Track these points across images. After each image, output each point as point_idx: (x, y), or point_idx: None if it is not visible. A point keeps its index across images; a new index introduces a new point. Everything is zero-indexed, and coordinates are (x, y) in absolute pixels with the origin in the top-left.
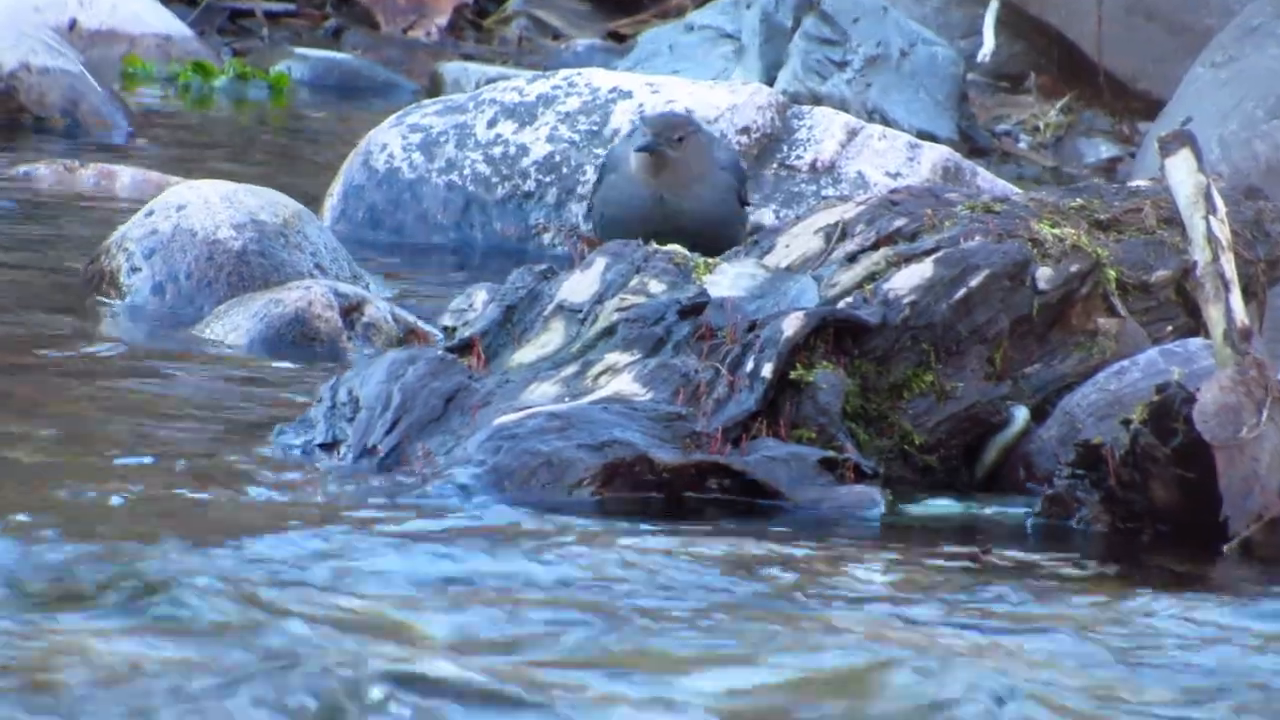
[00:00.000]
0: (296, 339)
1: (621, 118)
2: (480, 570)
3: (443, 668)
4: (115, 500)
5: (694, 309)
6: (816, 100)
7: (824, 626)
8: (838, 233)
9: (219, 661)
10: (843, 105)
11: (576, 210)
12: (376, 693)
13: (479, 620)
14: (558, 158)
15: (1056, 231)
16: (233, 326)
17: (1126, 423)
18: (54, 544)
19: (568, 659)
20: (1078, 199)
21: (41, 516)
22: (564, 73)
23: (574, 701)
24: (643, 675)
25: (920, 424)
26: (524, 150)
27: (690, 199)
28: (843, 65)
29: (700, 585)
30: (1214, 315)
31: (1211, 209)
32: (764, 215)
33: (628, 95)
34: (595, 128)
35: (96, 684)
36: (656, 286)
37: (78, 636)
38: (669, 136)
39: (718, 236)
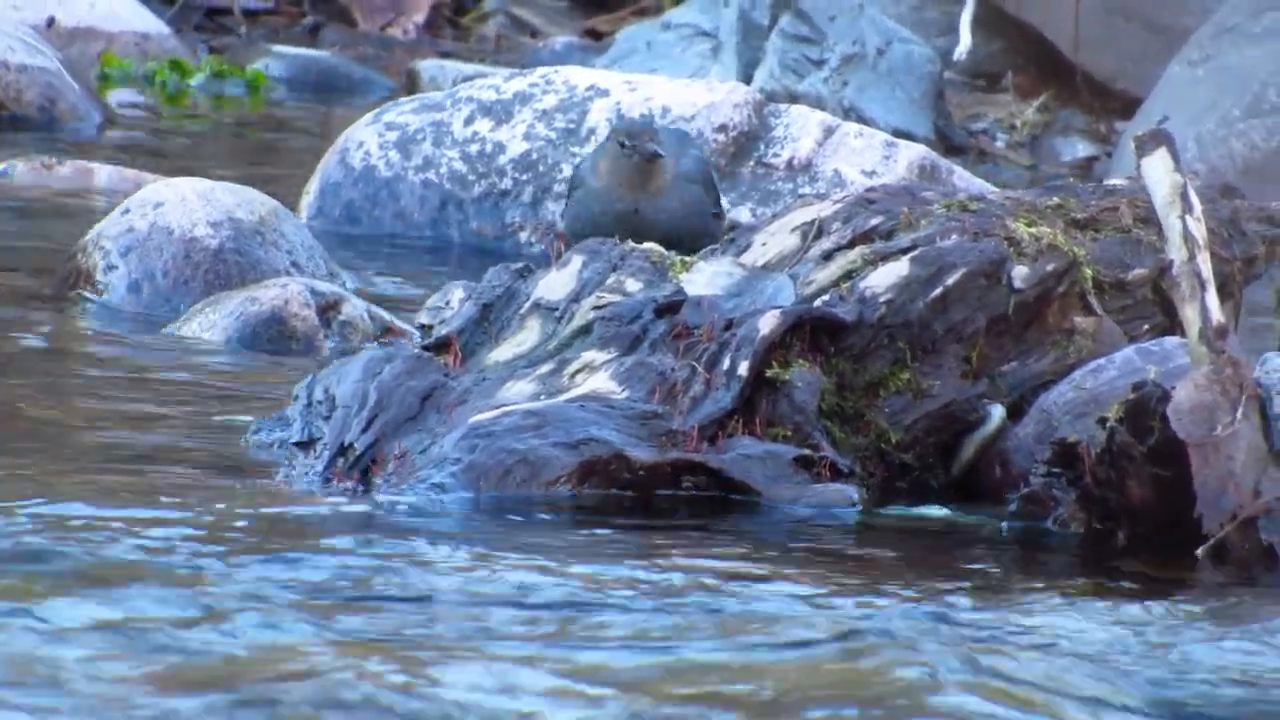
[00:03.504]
0: (273, 337)
1: (598, 116)
2: (458, 573)
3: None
4: (86, 499)
5: (670, 307)
6: (793, 98)
7: (789, 626)
8: (814, 231)
9: (169, 660)
10: (819, 103)
11: (553, 208)
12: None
13: (453, 625)
14: (534, 156)
15: (1033, 230)
16: (209, 324)
17: (1103, 421)
18: (24, 541)
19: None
20: (1054, 198)
21: (11, 514)
22: (541, 70)
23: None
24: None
25: (896, 422)
26: (501, 148)
27: (658, 210)
28: (819, 63)
29: (667, 587)
30: (1190, 314)
31: (1188, 208)
32: (740, 213)
33: (605, 93)
34: (572, 126)
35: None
36: (633, 285)
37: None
38: (654, 140)
39: (684, 248)
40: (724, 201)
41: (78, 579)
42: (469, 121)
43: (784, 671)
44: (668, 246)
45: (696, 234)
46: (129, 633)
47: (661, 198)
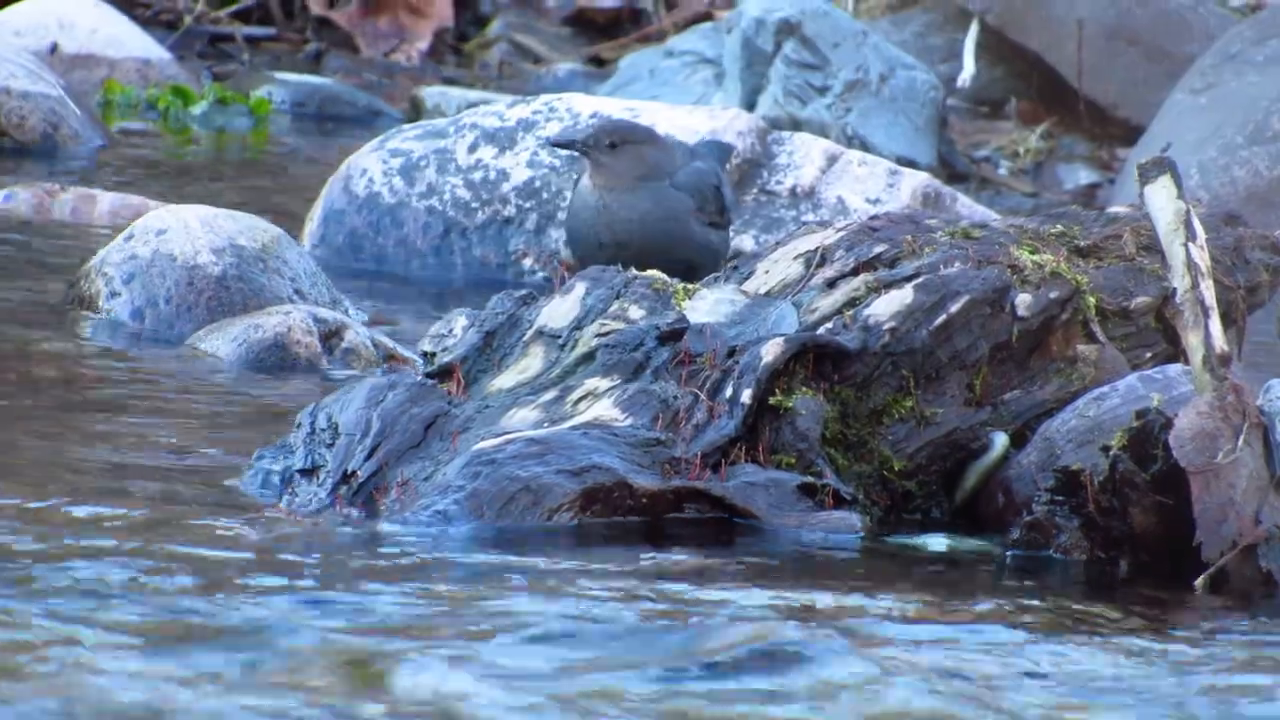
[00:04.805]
0: (276, 364)
1: None
2: (457, 599)
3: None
4: (85, 524)
5: (673, 334)
6: (796, 125)
7: (800, 658)
8: (817, 258)
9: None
10: (823, 130)
11: (556, 235)
12: None
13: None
14: (538, 183)
15: (1036, 258)
16: (212, 351)
17: (1106, 449)
18: (20, 564)
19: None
20: (1057, 225)
21: (14, 542)
22: (544, 97)
23: None
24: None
25: (900, 450)
26: (504, 175)
27: (628, 208)
28: (823, 90)
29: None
30: (1193, 342)
31: (1191, 235)
32: (744, 241)
33: None
34: (575, 153)
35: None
36: (636, 312)
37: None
38: (600, 141)
39: (670, 254)
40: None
41: (74, 601)
42: (472, 148)
43: (773, 704)
44: (641, 250)
45: (673, 239)
46: (123, 654)
47: (630, 195)
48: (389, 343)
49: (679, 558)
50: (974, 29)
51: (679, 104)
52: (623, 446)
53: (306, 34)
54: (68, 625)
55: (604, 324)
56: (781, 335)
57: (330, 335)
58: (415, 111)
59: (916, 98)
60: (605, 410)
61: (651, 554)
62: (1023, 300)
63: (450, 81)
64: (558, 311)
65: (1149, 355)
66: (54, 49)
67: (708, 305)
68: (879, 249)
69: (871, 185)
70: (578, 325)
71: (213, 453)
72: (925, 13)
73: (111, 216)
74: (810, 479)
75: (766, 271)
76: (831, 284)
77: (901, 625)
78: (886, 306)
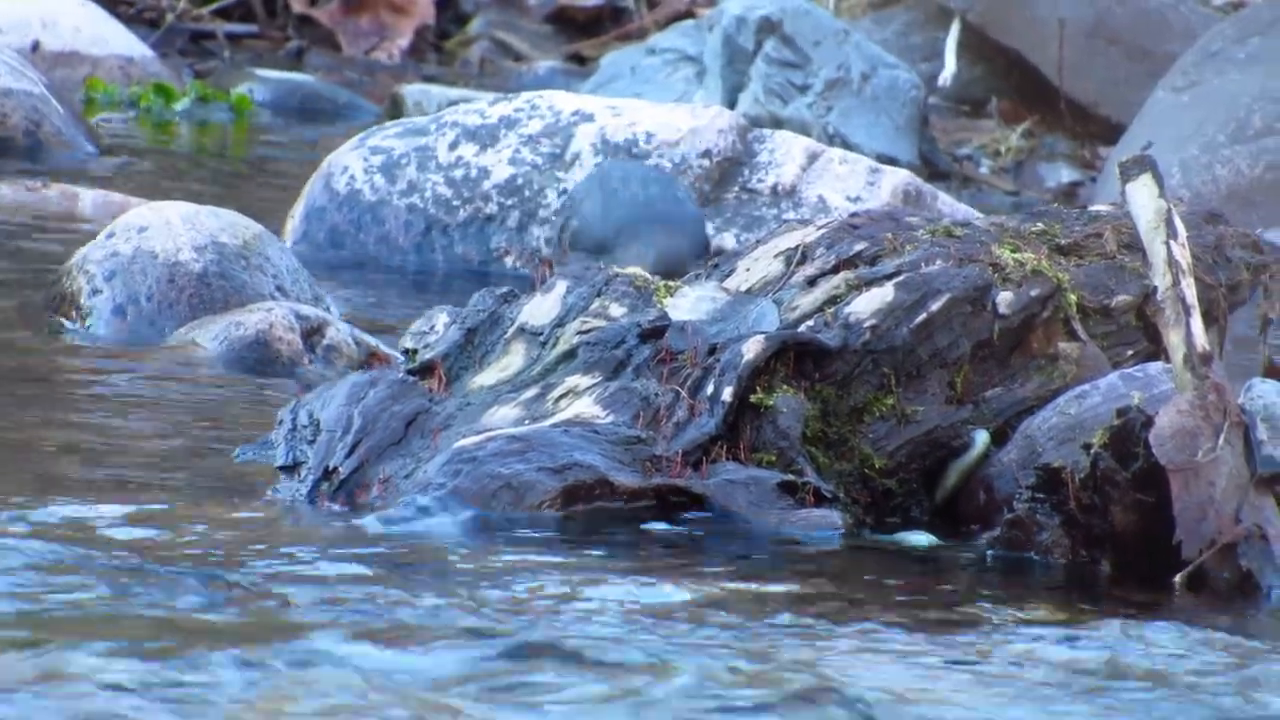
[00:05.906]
0: (257, 361)
1: (583, 140)
2: (440, 598)
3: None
4: (64, 524)
5: (655, 332)
6: (778, 123)
7: (771, 657)
8: (798, 256)
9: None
10: (804, 129)
11: (538, 233)
12: None
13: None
14: (519, 180)
15: (1017, 256)
16: (193, 349)
17: (1087, 447)
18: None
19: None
20: (1038, 223)
21: None
22: (526, 95)
23: None
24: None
25: (880, 448)
26: (485, 173)
27: None
28: (804, 89)
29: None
30: (1174, 340)
31: (1172, 234)
32: (725, 239)
33: (589, 118)
34: (557, 150)
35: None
36: (617, 310)
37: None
38: None
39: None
40: (709, 227)
41: (58, 603)
42: (453, 146)
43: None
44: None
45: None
46: (106, 658)
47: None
48: (370, 340)
49: (660, 555)
50: (955, 28)
51: (660, 102)
52: (604, 444)
53: (288, 31)
54: (50, 623)
55: (585, 321)
56: (762, 333)
57: (312, 332)
58: (396, 109)
59: (898, 96)
60: (586, 408)
61: (633, 551)
62: (1004, 298)
63: (431, 79)
64: (539, 309)
65: (1130, 353)
66: (36, 47)
67: (689, 303)
68: (859, 247)
69: (852, 183)
70: (559, 323)
71: (192, 449)
72: (907, 11)
73: (94, 213)
74: (791, 477)
75: (747, 269)
76: (812, 282)
77: (878, 623)
78: (867, 304)
